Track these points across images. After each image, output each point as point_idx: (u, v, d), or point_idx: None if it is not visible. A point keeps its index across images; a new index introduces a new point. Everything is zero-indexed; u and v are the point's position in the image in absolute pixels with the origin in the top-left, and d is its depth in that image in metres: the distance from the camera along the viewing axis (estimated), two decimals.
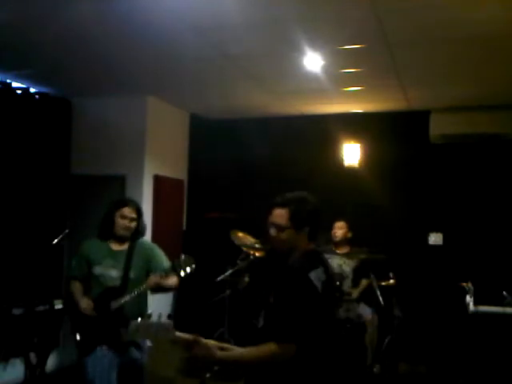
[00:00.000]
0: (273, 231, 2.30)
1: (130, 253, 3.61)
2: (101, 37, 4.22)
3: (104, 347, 3.41)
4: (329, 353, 2.25)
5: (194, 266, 3.58)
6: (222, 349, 2.16)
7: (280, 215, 2.29)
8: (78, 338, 3.50)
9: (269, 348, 2.09)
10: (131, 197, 6.33)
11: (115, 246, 3.65)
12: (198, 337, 2.10)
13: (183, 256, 3.61)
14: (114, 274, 3.55)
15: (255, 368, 2.17)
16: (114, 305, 3.45)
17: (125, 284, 3.52)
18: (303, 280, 2.17)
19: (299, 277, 2.19)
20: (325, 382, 2.23)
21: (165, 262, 3.70)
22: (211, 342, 2.13)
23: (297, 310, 2.12)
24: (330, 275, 2.33)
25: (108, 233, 3.66)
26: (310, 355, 2.15)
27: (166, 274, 3.56)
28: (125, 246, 3.65)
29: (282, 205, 2.30)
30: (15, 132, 5.63)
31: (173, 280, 3.59)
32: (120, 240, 3.65)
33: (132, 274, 3.57)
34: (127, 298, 3.46)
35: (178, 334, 2.13)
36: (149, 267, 3.64)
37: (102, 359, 3.39)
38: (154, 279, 3.51)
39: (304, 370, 2.15)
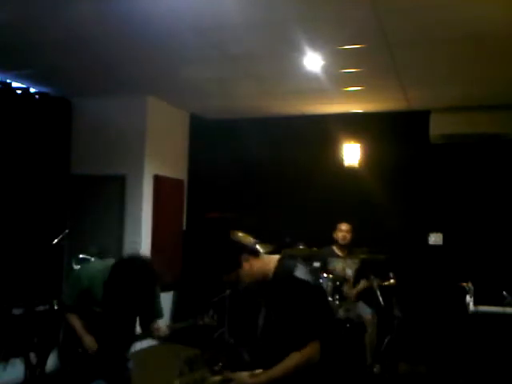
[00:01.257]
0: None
1: None
2: (101, 37, 4.22)
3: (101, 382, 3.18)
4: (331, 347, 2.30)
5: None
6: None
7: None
8: (68, 369, 3.28)
9: (300, 355, 2.13)
10: (131, 197, 6.34)
11: None
12: (228, 373, 2.22)
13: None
14: None
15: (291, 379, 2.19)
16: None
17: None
18: (294, 282, 2.24)
19: (288, 281, 2.25)
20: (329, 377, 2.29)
21: (160, 304, 3.44)
22: (243, 374, 2.21)
23: (302, 308, 2.18)
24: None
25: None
26: (329, 350, 2.23)
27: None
28: None
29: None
30: (15, 132, 5.63)
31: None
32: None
33: None
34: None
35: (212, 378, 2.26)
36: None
37: None
38: (164, 330, 3.32)
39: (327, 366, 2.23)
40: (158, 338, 3.36)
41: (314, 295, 2.27)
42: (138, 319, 3.37)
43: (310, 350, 2.14)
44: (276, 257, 2.41)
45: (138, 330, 3.40)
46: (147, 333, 3.36)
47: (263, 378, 2.19)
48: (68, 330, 3.32)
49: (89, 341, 3.20)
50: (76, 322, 3.26)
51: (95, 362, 3.21)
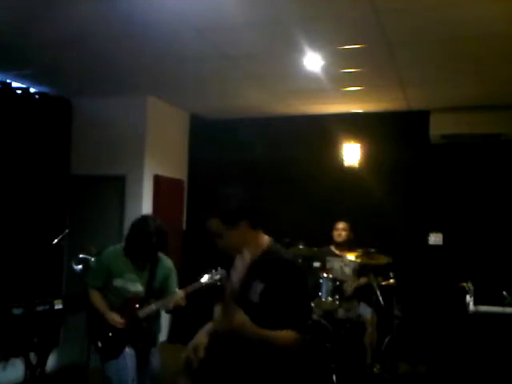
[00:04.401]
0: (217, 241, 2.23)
1: (153, 266, 3.67)
2: (101, 37, 4.22)
3: (129, 349, 3.54)
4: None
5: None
6: None
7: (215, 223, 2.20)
8: (99, 345, 3.59)
9: (292, 334, 2.00)
10: (131, 197, 6.35)
11: (137, 261, 3.66)
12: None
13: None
14: (135, 286, 3.61)
15: (268, 354, 2.05)
16: (142, 314, 3.56)
17: (149, 295, 3.63)
18: (293, 265, 2.19)
19: (287, 264, 2.17)
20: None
21: (176, 284, 3.79)
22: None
23: (300, 294, 2.11)
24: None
25: (135, 251, 3.63)
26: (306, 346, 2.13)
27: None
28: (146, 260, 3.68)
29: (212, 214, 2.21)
30: (15, 132, 5.63)
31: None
32: (144, 258, 3.66)
33: (155, 286, 3.67)
34: (154, 307, 3.59)
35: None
36: (165, 285, 3.72)
37: (129, 360, 3.52)
38: (181, 294, 3.58)
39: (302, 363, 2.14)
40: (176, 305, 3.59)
41: (306, 283, 2.21)
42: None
43: (302, 340, 2.03)
44: (268, 237, 2.27)
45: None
46: (167, 300, 3.61)
47: (258, 331, 2.02)
48: (91, 311, 3.66)
49: (113, 316, 3.55)
50: (97, 298, 3.64)
51: (122, 334, 3.55)
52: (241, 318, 2.00)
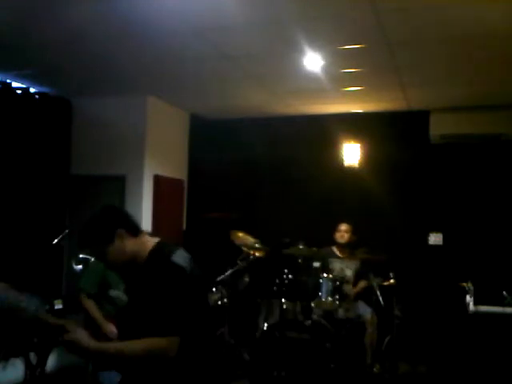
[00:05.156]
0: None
1: None
2: (101, 37, 4.22)
3: None
4: (207, 343, 2.11)
5: None
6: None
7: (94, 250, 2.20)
8: None
9: (158, 341, 1.91)
10: (131, 197, 6.34)
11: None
12: (69, 323, 1.98)
13: None
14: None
15: (138, 363, 1.96)
16: None
17: None
18: (169, 266, 2.03)
19: (163, 264, 2.04)
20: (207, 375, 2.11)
21: None
22: (84, 334, 1.95)
23: (175, 298, 1.97)
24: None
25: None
26: (191, 347, 2.01)
27: None
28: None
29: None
30: (15, 132, 5.63)
31: None
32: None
33: None
34: None
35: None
36: None
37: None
38: None
39: (187, 365, 2.01)
40: None
41: (187, 284, 2.02)
42: None
43: (167, 342, 1.91)
44: (155, 239, 2.18)
45: None
46: None
47: (111, 348, 1.97)
48: (88, 319, 3.66)
49: (109, 327, 3.54)
50: (92, 306, 3.65)
51: None
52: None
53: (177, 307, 1.96)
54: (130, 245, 2.11)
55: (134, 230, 2.15)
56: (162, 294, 1.98)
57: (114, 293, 3.61)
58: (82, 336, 1.92)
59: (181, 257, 2.08)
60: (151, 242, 2.17)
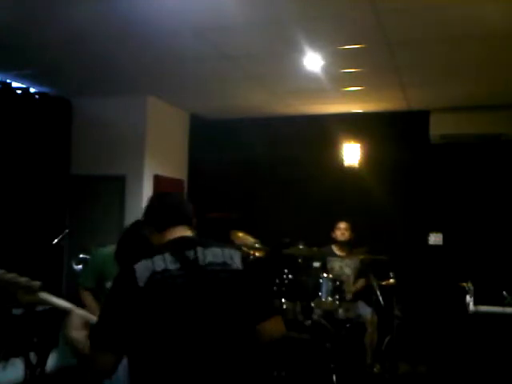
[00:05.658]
0: None
1: None
2: (101, 37, 4.22)
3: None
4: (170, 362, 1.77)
5: None
6: None
7: None
8: None
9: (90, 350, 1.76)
10: (131, 197, 6.34)
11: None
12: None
13: None
14: None
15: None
16: None
17: None
18: (122, 274, 1.86)
19: (121, 271, 1.90)
20: None
21: None
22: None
23: (108, 310, 1.80)
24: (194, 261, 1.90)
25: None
26: (145, 366, 1.81)
27: None
28: None
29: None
30: (15, 132, 5.63)
31: None
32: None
33: None
34: None
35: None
36: None
37: (121, 372, 3.45)
38: None
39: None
40: None
41: (129, 299, 1.74)
42: None
43: (104, 358, 1.75)
44: (178, 235, 2.09)
45: None
46: None
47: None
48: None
49: None
50: (91, 301, 3.58)
51: None
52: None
53: (101, 319, 1.80)
54: (154, 241, 2.07)
55: (159, 226, 2.08)
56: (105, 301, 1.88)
57: (109, 285, 3.59)
58: (73, 320, 1.91)
59: (144, 267, 1.77)
60: (170, 238, 2.02)
